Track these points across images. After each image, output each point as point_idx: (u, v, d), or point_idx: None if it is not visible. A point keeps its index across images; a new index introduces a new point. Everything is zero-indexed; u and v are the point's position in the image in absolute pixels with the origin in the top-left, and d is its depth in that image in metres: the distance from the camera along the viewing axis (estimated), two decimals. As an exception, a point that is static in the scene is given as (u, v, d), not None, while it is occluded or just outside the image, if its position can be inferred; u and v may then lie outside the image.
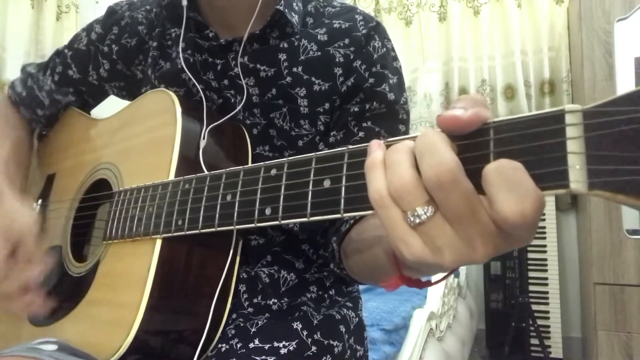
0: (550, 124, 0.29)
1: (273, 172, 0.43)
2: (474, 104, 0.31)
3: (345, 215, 0.37)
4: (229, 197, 0.47)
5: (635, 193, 0.26)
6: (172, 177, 0.56)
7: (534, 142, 0.29)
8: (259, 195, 0.44)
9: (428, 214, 0.30)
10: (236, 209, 0.46)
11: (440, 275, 0.37)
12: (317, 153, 0.40)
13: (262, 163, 0.45)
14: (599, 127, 0.27)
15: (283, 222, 0.41)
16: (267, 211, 0.42)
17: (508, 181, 0.28)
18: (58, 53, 0.83)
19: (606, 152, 0.27)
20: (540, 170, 0.28)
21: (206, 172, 0.52)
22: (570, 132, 0.28)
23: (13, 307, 0.60)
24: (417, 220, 0.30)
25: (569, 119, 0.28)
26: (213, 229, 0.48)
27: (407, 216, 0.31)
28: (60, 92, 0.82)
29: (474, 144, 0.31)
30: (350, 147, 0.38)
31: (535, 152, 0.29)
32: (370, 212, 0.35)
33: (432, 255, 0.31)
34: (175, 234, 0.53)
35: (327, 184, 0.38)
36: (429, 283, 0.38)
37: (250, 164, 0.50)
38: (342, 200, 0.37)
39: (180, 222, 0.52)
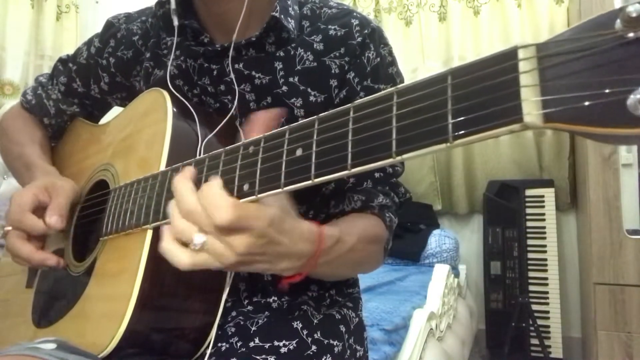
0: (504, 61, 0.29)
1: (251, 149, 0.44)
2: None
3: (316, 180, 0.38)
4: (211, 179, 0.48)
5: (590, 121, 0.25)
6: (162, 169, 0.57)
7: (488, 81, 0.29)
8: (237, 172, 0.44)
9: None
10: None
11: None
12: (291, 125, 0.41)
13: (242, 142, 0.46)
14: (554, 58, 0.27)
15: (260, 195, 0.42)
16: (245, 187, 0.43)
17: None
18: (63, 62, 0.85)
19: (561, 82, 0.26)
20: (495, 107, 0.29)
21: (191, 159, 0.53)
22: (523, 66, 0.28)
23: (20, 250, 0.63)
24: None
25: (521, 54, 0.28)
26: None
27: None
28: (66, 102, 0.83)
29: (432, 93, 0.32)
30: (321, 114, 0.39)
31: (489, 91, 0.29)
32: (340, 174, 0.36)
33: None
34: (164, 221, 0.53)
35: (299, 152, 0.39)
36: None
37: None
38: (313, 166, 0.38)
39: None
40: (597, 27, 0.26)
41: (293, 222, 0.46)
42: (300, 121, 0.40)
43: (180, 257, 0.44)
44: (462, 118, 0.30)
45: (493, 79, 0.29)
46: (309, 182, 0.38)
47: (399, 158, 0.33)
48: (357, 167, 0.35)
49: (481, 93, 0.29)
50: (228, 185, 0.45)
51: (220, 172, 0.47)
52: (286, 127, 0.41)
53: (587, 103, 0.25)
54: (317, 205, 0.69)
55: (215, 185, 0.43)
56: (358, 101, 0.36)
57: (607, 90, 0.25)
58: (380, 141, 0.34)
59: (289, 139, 0.41)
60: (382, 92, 0.35)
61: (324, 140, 0.38)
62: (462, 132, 0.30)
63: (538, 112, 0.27)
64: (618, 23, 0.25)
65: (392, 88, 0.34)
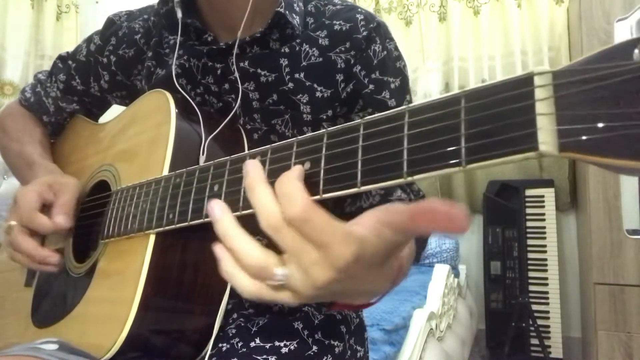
0: (519, 87, 0.28)
1: (257, 159, 0.43)
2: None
3: (324, 196, 0.37)
4: (216, 188, 0.47)
5: (607, 152, 0.25)
6: (165, 173, 0.56)
7: (503, 106, 0.28)
8: (244, 183, 0.43)
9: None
10: (223, 198, 0.46)
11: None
12: (299, 137, 0.40)
13: (247, 152, 0.45)
14: (571, 86, 0.26)
15: None
16: None
17: None
18: (62, 59, 0.84)
19: (578, 111, 0.26)
20: (510, 134, 0.28)
21: (196, 165, 0.52)
22: (539, 93, 0.27)
23: (23, 245, 0.62)
24: None
25: (537, 80, 0.27)
26: (201, 220, 0.48)
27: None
28: (65, 100, 0.83)
29: (444, 115, 0.31)
30: (330, 128, 0.38)
31: (504, 117, 0.29)
32: (349, 191, 0.35)
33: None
34: (167, 227, 0.53)
35: (307, 166, 0.38)
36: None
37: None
38: (321, 182, 0.37)
39: (171, 216, 0.52)
40: (615, 57, 0.25)
41: (388, 258, 0.38)
42: (308, 134, 0.40)
43: (248, 285, 0.37)
44: (475, 142, 0.29)
45: (508, 104, 0.28)
46: (317, 197, 0.37)
47: (409, 178, 0.32)
48: (366, 185, 0.35)
49: (496, 118, 0.29)
50: (233, 196, 0.44)
51: (226, 181, 0.46)
52: (294, 139, 0.40)
53: (603, 135, 0.25)
54: (329, 206, 0.69)
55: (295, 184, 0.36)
56: (368, 117, 0.36)
57: (625, 123, 0.24)
58: (391, 161, 0.33)
59: (297, 152, 0.40)
60: (393, 110, 0.35)
61: (332, 155, 0.37)
62: (476, 156, 0.29)
63: (554, 142, 0.26)
64: (636, 54, 0.24)
65: (404, 107, 0.34)
